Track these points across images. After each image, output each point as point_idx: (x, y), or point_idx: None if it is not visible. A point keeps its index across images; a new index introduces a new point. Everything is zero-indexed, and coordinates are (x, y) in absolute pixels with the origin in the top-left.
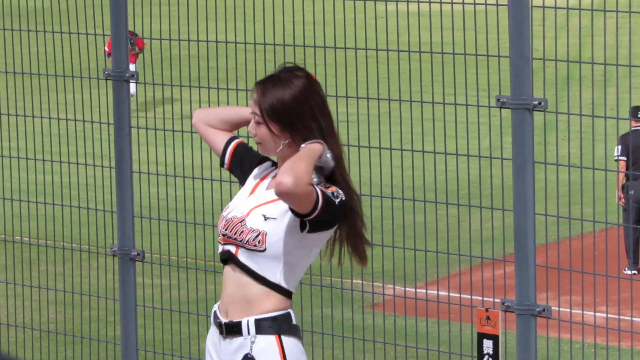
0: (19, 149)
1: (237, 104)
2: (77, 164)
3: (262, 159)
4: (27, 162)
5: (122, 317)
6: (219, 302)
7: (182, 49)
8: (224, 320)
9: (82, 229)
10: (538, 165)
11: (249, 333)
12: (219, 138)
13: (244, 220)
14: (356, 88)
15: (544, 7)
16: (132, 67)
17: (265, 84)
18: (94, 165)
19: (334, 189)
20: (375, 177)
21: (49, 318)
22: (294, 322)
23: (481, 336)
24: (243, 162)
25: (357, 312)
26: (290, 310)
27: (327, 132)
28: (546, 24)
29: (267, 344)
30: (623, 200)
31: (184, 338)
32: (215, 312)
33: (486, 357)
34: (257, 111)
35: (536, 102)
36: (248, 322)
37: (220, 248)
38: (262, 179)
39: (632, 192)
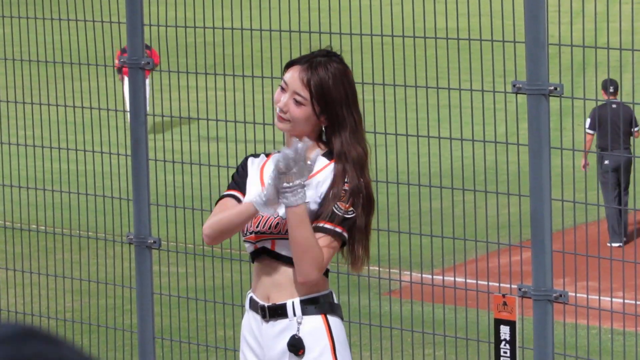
0: (34, 137)
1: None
2: (93, 151)
3: (244, 162)
4: (43, 150)
5: (138, 305)
6: (252, 289)
7: (198, 37)
8: (266, 304)
9: (99, 217)
10: (554, 151)
11: (294, 314)
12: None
13: (275, 212)
14: (372, 75)
15: None
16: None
17: (311, 66)
18: (110, 153)
19: (350, 204)
20: (392, 163)
21: (65, 307)
22: (336, 301)
23: (498, 322)
24: (244, 182)
25: (374, 299)
26: (331, 290)
27: (358, 126)
28: (561, 9)
29: (315, 324)
30: (587, 165)
31: (201, 326)
32: (251, 297)
33: (503, 342)
34: (303, 92)
35: (552, 88)
36: (293, 303)
37: (250, 247)
38: (262, 169)
39: (606, 161)
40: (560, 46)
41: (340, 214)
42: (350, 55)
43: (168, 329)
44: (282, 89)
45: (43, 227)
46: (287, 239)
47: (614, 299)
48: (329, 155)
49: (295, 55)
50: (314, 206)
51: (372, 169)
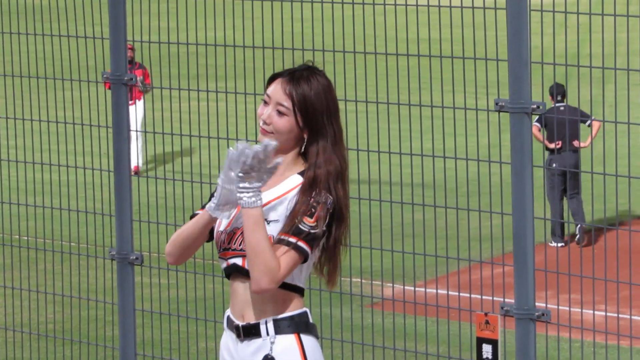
0: (17, 147)
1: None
2: (76, 167)
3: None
4: (25, 160)
5: (120, 321)
6: (229, 308)
7: (181, 47)
8: (240, 323)
9: (81, 228)
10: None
11: (267, 334)
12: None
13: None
14: (355, 86)
15: (542, 10)
16: (139, 106)
17: (293, 78)
18: (93, 169)
19: (320, 210)
20: (374, 174)
21: (47, 318)
22: (311, 320)
23: (480, 340)
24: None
25: (356, 311)
26: (306, 309)
27: (338, 139)
28: (544, 21)
29: (287, 343)
30: (558, 144)
31: (183, 338)
32: (228, 316)
33: None
34: (286, 102)
35: (534, 106)
36: (266, 322)
37: (223, 264)
38: None
39: (555, 164)
40: (543, 64)
41: (304, 228)
42: (333, 66)
43: (150, 341)
44: (265, 103)
45: (25, 238)
46: None
47: (596, 312)
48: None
49: (279, 65)
50: (280, 221)
51: (354, 180)
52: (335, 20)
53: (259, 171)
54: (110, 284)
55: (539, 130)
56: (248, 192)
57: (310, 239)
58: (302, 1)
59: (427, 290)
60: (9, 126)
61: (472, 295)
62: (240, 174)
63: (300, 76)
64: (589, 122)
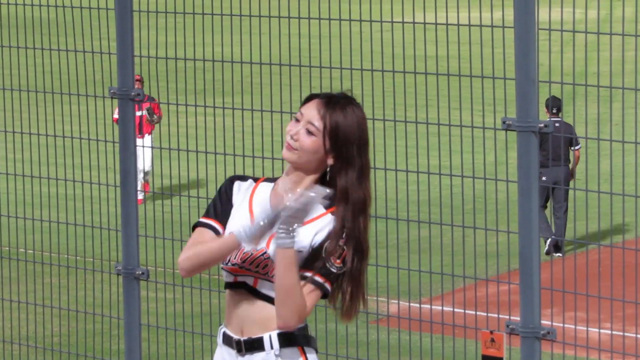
0: (23, 161)
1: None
2: (82, 181)
3: (229, 186)
4: (32, 174)
5: (125, 336)
6: (224, 324)
7: (188, 62)
8: (240, 337)
9: (86, 242)
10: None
11: (272, 347)
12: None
13: (265, 252)
14: (362, 103)
15: (550, 29)
16: (147, 140)
17: (330, 102)
18: (99, 183)
19: (342, 259)
20: (380, 191)
21: (52, 331)
22: (311, 333)
23: (485, 359)
24: (226, 211)
25: (361, 327)
26: (307, 323)
27: (365, 172)
28: (552, 38)
29: (293, 357)
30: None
31: (188, 352)
32: (224, 332)
33: None
34: (318, 123)
35: (542, 125)
36: (270, 336)
37: (229, 277)
38: (251, 197)
39: (544, 178)
40: (551, 83)
41: (332, 269)
42: (340, 83)
43: (155, 355)
44: (297, 120)
45: (31, 252)
46: (271, 280)
47: (602, 330)
48: (328, 201)
49: (285, 81)
50: (304, 252)
51: None
52: (341, 37)
53: (303, 216)
54: (115, 297)
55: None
56: (287, 232)
57: (334, 278)
58: (308, 18)
59: (433, 307)
60: (15, 140)
61: (478, 313)
62: (285, 216)
63: (337, 102)
64: (576, 147)
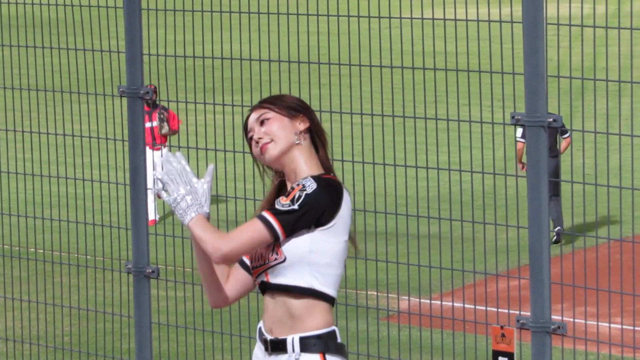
0: (33, 161)
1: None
2: (92, 180)
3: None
4: (41, 173)
5: (136, 334)
6: (262, 320)
7: (197, 60)
8: (269, 337)
9: (97, 241)
10: None
11: (293, 351)
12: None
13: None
14: (370, 99)
15: (558, 24)
16: (163, 153)
17: (264, 99)
18: (109, 182)
19: (296, 190)
20: (390, 187)
21: (62, 331)
22: (339, 340)
23: (496, 354)
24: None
25: (372, 324)
26: (335, 328)
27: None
28: (560, 33)
29: None
30: (525, 167)
31: (199, 350)
32: (260, 328)
33: None
34: (262, 111)
35: (551, 120)
36: (293, 339)
37: (256, 281)
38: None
39: None
40: (559, 78)
41: (277, 206)
42: (349, 80)
43: (166, 354)
44: (251, 138)
45: (41, 251)
46: (275, 265)
47: (612, 325)
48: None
49: (294, 78)
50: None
51: (369, 192)
52: (350, 34)
53: (173, 182)
54: (125, 296)
55: (524, 145)
56: (176, 209)
57: (279, 213)
58: (317, 15)
59: (443, 302)
60: (25, 139)
61: (488, 308)
62: (172, 202)
63: (266, 97)
64: (565, 135)
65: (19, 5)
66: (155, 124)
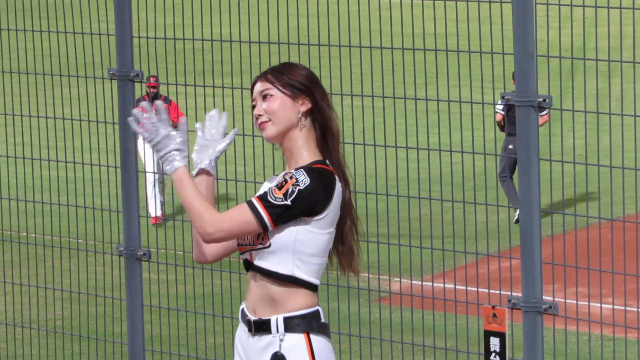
0: (24, 144)
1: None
2: (83, 163)
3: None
4: (32, 157)
5: (128, 317)
6: (245, 301)
7: (187, 43)
8: (252, 317)
9: (88, 225)
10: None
11: (277, 331)
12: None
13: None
14: (360, 81)
15: (547, 4)
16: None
17: (272, 68)
18: (100, 165)
19: (289, 184)
20: (381, 169)
21: (55, 314)
22: (323, 320)
23: (488, 334)
24: None
25: (363, 305)
26: (318, 308)
27: (332, 110)
28: (550, 14)
29: (295, 342)
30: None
31: (191, 334)
32: (242, 309)
33: (493, 354)
34: (266, 86)
35: (541, 99)
36: (277, 320)
37: (240, 259)
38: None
39: (510, 146)
40: (549, 57)
41: (269, 197)
42: (339, 62)
43: (158, 337)
44: (254, 107)
45: (33, 235)
46: (260, 249)
47: (603, 305)
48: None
49: (285, 59)
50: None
51: (360, 174)
52: (340, 15)
53: (155, 134)
54: (118, 280)
55: (503, 117)
56: (163, 160)
57: (270, 206)
58: None
59: (435, 284)
60: (16, 123)
61: (480, 289)
62: (150, 142)
63: (274, 66)
64: (542, 113)
65: None
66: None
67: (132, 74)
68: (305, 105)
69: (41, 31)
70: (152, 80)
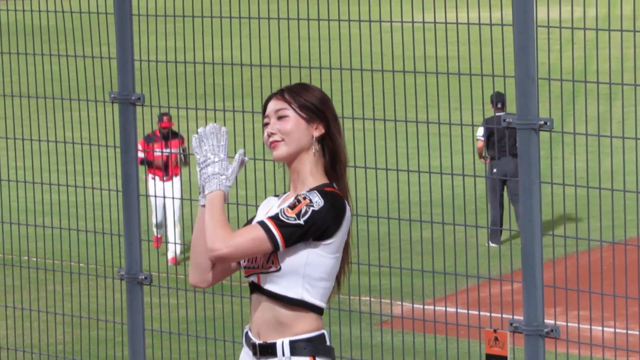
0: (25, 168)
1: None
2: (84, 187)
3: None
4: (33, 181)
5: (130, 341)
6: (249, 324)
7: (188, 66)
8: (257, 341)
9: (90, 249)
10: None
11: (283, 354)
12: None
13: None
14: (362, 104)
15: (548, 26)
16: (176, 184)
17: (289, 88)
18: (101, 189)
19: (303, 204)
20: (382, 192)
21: (57, 339)
22: (329, 343)
23: (489, 357)
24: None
25: (365, 329)
26: (324, 331)
27: (342, 140)
28: (551, 37)
29: None
30: (488, 160)
31: (192, 358)
32: (247, 333)
33: None
34: (282, 105)
35: (542, 122)
36: (283, 343)
37: (245, 281)
38: (273, 205)
39: (495, 169)
40: (550, 80)
41: (281, 216)
42: (340, 85)
43: None
44: (266, 124)
45: (34, 259)
46: (269, 273)
47: (605, 328)
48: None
49: (286, 83)
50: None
51: (362, 198)
52: (341, 39)
53: (212, 155)
54: (119, 304)
55: (483, 144)
56: (206, 180)
57: (283, 226)
58: (307, 19)
59: (436, 307)
60: (17, 147)
61: (481, 313)
62: (201, 163)
63: (291, 86)
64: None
65: (10, 13)
66: (174, 151)
67: (133, 97)
68: (318, 131)
69: (42, 54)
70: (165, 119)
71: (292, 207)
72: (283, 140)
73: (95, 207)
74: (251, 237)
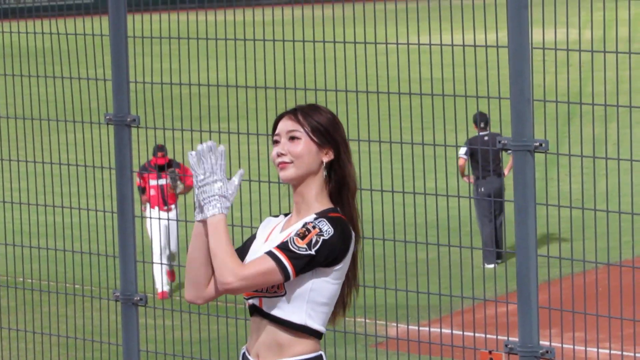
0: (20, 190)
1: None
2: (79, 209)
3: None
4: (29, 202)
5: None
6: (246, 345)
7: (183, 88)
8: None
9: (85, 270)
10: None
11: None
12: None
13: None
14: (357, 126)
15: (544, 48)
16: (172, 215)
17: (302, 109)
18: (96, 210)
19: (313, 234)
20: (377, 213)
21: None
22: None
23: None
24: (245, 247)
25: (360, 351)
26: (322, 353)
27: (352, 166)
28: (547, 59)
29: None
30: (471, 179)
31: None
32: (244, 354)
33: None
34: (295, 126)
35: (537, 144)
36: None
37: (245, 303)
38: (274, 228)
39: (482, 189)
40: (545, 102)
41: (291, 246)
42: (335, 106)
43: None
44: (276, 142)
45: (29, 280)
46: (272, 297)
47: (600, 350)
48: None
49: (281, 105)
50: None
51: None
52: (337, 61)
53: (210, 175)
54: (114, 325)
55: (465, 162)
56: (206, 202)
57: (295, 257)
58: (302, 41)
59: (432, 329)
60: (12, 169)
61: (477, 334)
62: (200, 181)
63: (304, 107)
64: (510, 151)
65: (5, 35)
66: (167, 181)
67: (128, 119)
68: (328, 157)
69: (37, 76)
70: (160, 155)
71: (302, 237)
72: (292, 162)
73: (90, 228)
74: (263, 270)
